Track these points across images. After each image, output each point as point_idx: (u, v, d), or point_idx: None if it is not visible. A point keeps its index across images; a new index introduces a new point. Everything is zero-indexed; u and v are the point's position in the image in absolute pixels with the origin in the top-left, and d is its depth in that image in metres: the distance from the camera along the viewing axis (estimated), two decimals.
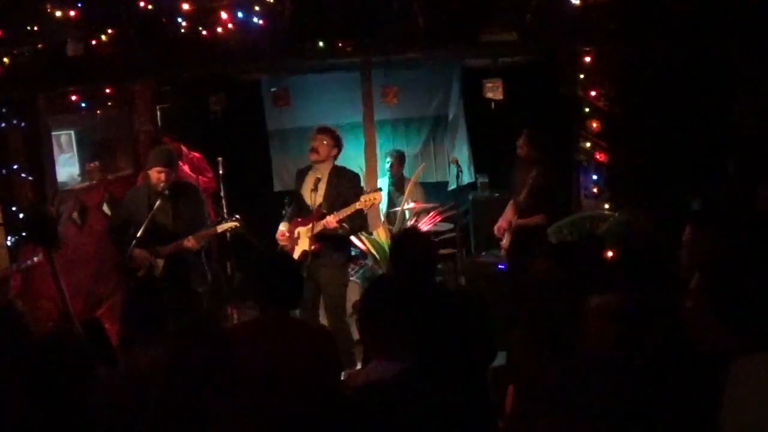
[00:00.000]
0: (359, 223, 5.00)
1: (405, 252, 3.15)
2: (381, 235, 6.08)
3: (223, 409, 2.58)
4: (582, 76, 5.30)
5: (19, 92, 5.18)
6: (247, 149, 7.17)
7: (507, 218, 5.43)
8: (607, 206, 5.28)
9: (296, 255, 4.94)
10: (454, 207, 6.01)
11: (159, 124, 6.79)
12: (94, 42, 4.98)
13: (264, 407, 2.79)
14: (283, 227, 5.02)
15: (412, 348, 2.36)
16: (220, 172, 5.78)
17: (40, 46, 5.03)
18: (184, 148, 6.13)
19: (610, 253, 3.81)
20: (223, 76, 6.12)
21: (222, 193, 5.75)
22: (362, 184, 5.24)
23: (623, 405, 2.33)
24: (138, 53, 5.01)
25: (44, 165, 5.43)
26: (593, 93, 5.25)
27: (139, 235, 4.61)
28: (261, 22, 4.82)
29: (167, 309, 3.13)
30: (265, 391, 2.80)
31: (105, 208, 6.09)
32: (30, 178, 5.30)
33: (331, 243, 4.87)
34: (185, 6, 4.85)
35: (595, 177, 5.40)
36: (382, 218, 6.37)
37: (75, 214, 5.71)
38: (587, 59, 5.24)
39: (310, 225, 4.73)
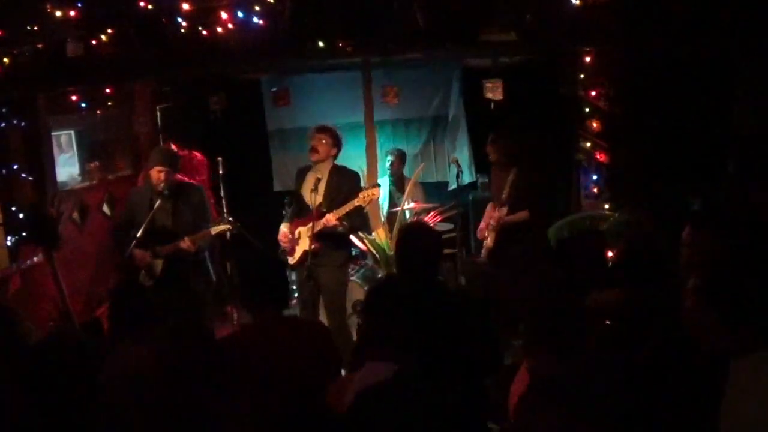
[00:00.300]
0: (359, 221, 5.01)
1: (411, 246, 3.11)
2: (381, 235, 6.08)
3: (223, 410, 2.59)
4: (582, 76, 5.30)
5: (19, 92, 5.18)
6: (247, 149, 7.16)
7: (487, 221, 5.55)
8: (607, 206, 5.28)
9: (297, 255, 4.95)
10: (454, 207, 6.01)
11: (159, 124, 6.78)
12: (94, 42, 4.98)
13: (264, 407, 2.79)
14: (284, 228, 5.02)
15: (413, 348, 2.36)
16: (220, 172, 5.78)
17: (40, 46, 5.03)
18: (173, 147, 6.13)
19: (610, 253, 3.81)
20: (223, 76, 6.12)
21: (222, 193, 5.75)
22: (362, 183, 5.24)
23: (623, 404, 2.33)
24: (138, 53, 5.01)
25: (44, 165, 5.43)
26: (593, 93, 5.25)
27: (138, 235, 4.61)
28: (261, 22, 4.82)
29: (153, 309, 3.13)
30: (266, 392, 2.80)
31: (105, 208, 6.09)
32: (30, 178, 5.30)
33: (331, 242, 4.86)
34: (185, 6, 4.85)
35: (595, 177, 5.40)
36: (383, 218, 6.37)
37: (75, 214, 5.71)
38: (587, 59, 5.24)
39: (310, 224, 4.73)
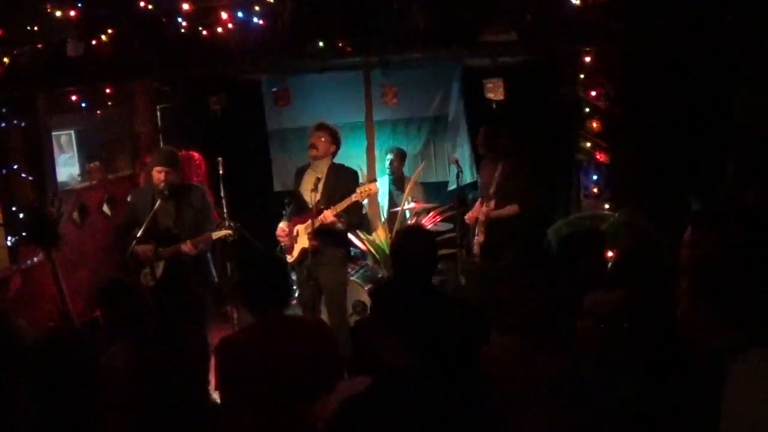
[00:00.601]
0: (357, 218, 5.06)
1: (405, 251, 3.12)
2: (381, 235, 6.08)
3: (223, 410, 2.59)
4: (582, 76, 5.29)
5: (19, 92, 5.18)
6: (247, 149, 7.16)
7: (475, 212, 5.63)
8: (607, 206, 5.29)
9: (296, 253, 4.96)
10: (454, 207, 6.02)
11: (159, 124, 6.78)
12: (94, 42, 4.98)
13: (264, 407, 2.79)
14: (282, 225, 5.04)
15: (416, 352, 2.34)
16: (220, 172, 5.77)
17: (40, 46, 5.03)
18: None
19: (610, 253, 3.81)
20: (223, 76, 6.12)
21: (222, 193, 5.75)
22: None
23: (622, 404, 2.33)
24: (138, 53, 5.01)
25: (44, 165, 5.44)
26: (593, 93, 5.25)
27: (139, 235, 4.61)
28: (261, 22, 4.82)
29: (146, 308, 3.13)
30: (267, 392, 2.80)
31: (105, 208, 6.10)
32: (30, 178, 5.31)
33: (330, 239, 4.89)
34: (185, 6, 4.85)
35: (595, 177, 5.40)
36: (383, 218, 6.38)
37: (75, 214, 5.72)
38: (587, 59, 5.24)
39: (309, 222, 4.75)
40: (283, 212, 5.33)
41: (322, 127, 4.96)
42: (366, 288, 5.84)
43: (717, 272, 1.97)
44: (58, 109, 5.65)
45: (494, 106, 5.49)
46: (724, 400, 1.87)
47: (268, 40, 4.88)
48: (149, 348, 2.82)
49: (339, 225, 4.81)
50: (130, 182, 6.29)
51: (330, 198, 4.82)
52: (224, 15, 4.83)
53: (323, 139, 4.89)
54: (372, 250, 6.15)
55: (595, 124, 5.31)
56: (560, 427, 2.31)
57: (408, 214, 6.43)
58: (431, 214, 6.37)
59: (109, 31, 4.96)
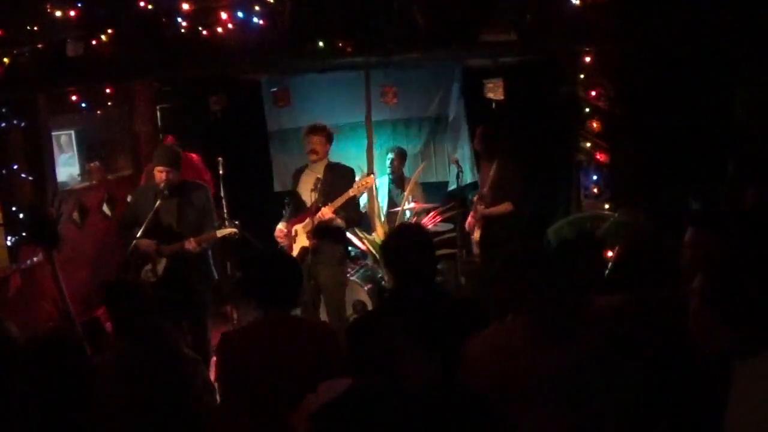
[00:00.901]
0: (354, 214, 5.12)
1: (394, 252, 3.05)
2: (381, 235, 6.08)
3: (222, 407, 2.59)
4: (582, 76, 5.29)
5: (19, 92, 5.18)
6: (247, 149, 7.17)
7: (473, 214, 5.71)
8: (607, 206, 5.29)
9: (295, 253, 4.97)
10: (454, 207, 6.02)
11: (159, 124, 6.78)
12: (94, 42, 4.98)
13: (264, 406, 2.79)
14: (281, 225, 5.07)
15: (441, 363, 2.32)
16: (220, 172, 5.78)
17: (40, 46, 5.03)
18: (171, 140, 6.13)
19: (610, 253, 3.81)
20: (223, 76, 6.12)
21: (222, 194, 5.75)
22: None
23: (625, 405, 2.33)
24: (138, 53, 5.01)
25: (44, 165, 5.44)
26: (593, 93, 5.25)
27: (139, 234, 4.61)
28: (261, 22, 4.82)
29: (152, 305, 3.13)
30: (267, 391, 2.80)
31: (105, 208, 6.10)
32: (30, 178, 5.31)
33: (329, 237, 4.92)
34: (185, 6, 4.85)
35: (595, 177, 5.40)
36: (383, 218, 6.38)
37: (75, 214, 5.72)
38: (587, 59, 5.24)
39: (308, 221, 4.79)
40: (283, 212, 5.33)
41: (317, 130, 5.03)
42: (366, 288, 5.84)
43: (719, 273, 1.97)
44: (58, 109, 5.65)
45: (494, 106, 5.50)
46: (729, 402, 1.86)
47: (268, 40, 4.88)
48: (147, 350, 2.82)
49: (338, 221, 4.86)
50: (130, 182, 6.29)
51: (328, 196, 4.87)
52: (224, 15, 4.83)
53: (321, 142, 4.98)
54: (372, 250, 6.15)
55: (595, 124, 5.31)
56: (560, 427, 2.31)
57: (408, 214, 6.43)
58: (431, 214, 6.37)
59: (109, 31, 4.95)
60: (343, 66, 5.97)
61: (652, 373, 2.41)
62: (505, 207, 5.45)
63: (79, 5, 4.88)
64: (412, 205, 6.42)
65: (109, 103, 6.12)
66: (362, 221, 5.86)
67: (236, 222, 5.10)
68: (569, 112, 5.51)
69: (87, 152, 6.19)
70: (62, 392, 2.36)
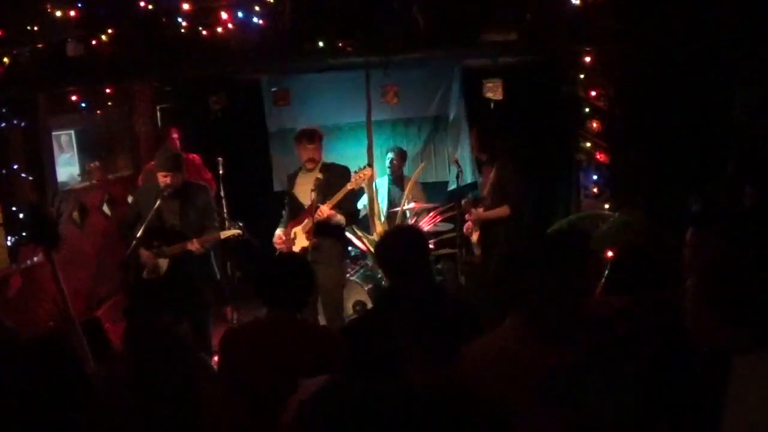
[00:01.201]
0: (352, 206, 5.18)
1: (385, 252, 3.07)
2: (381, 235, 6.08)
3: (222, 404, 2.58)
4: (582, 76, 5.30)
5: (19, 92, 5.18)
6: (247, 149, 7.17)
7: (469, 216, 5.73)
8: (607, 206, 5.29)
9: None
10: (454, 207, 6.03)
11: (159, 124, 6.79)
12: (94, 42, 4.98)
13: (264, 405, 2.79)
14: (279, 232, 5.10)
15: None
16: (220, 172, 5.78)
17: (40, 46, 5.03)
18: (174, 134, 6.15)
19: (610, 253, 3.80)
20: (223, 76, 6.12)
21: (222, 194, 5.75)
22: None
23: (625, 405, 2.33)
24: (138, 53, 5.01)
25: (44, 165, 5.44)
26: (593, 93, 5.25)
27: (139, 234, 4.62)
28: (261, 22, 4.82)
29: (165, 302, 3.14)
30: (267, 391, 2.80)
31: (105, 208, 6.10)
32: (30, 178, 5.31)
33: (327, 236, 4.95)
34: (185, 6, 4.85)
35: (595, 177, 5.41)
36: (383, 218, 6.38)
37: (75, 214, 5.72)
38: (587, 59, 5.24)
39: (307, 221, 4.81)
40: (283, 212, 5.34)
41: (311, 137, 5.05)
42: (366, 288, 5.84)
43: (719, 272, 1.97)
44: (58, 109, 5.65)
45: (492, 106, 5.50)
46: (727, 400, 1.86)
47: (268, 40, 4.88)
48: (150, 363, 2.80)
49: (338, 217, 4.90)
50: (130, 182, 6.29)
51: (325, 195, 4.91)
52: (224, 15, 4.83)
53: (317, 149, 5.06)
54: (372, 250, 6.15)
55: (595, 124, 5.31)
56: (560, 427, 2.31)
57: (408, 214, 6.43)
58: (431, 214, 6.37)
59: (109, 31, 4.95)
60: (343, 66, 5.98)
61: (652, 373, 2.41)
62: (502, 210, 5.41)
63: (79, 5, 4.88)
64: (412, 205, 6.42)
65: (109, 103, 6.12)
66: (358, 213, 5.89)
67: (240, 224, 5.11)
68: (569, 112, 5.52)
69: (87, 152, 6.19)
70: (62, 392, 2.36)
